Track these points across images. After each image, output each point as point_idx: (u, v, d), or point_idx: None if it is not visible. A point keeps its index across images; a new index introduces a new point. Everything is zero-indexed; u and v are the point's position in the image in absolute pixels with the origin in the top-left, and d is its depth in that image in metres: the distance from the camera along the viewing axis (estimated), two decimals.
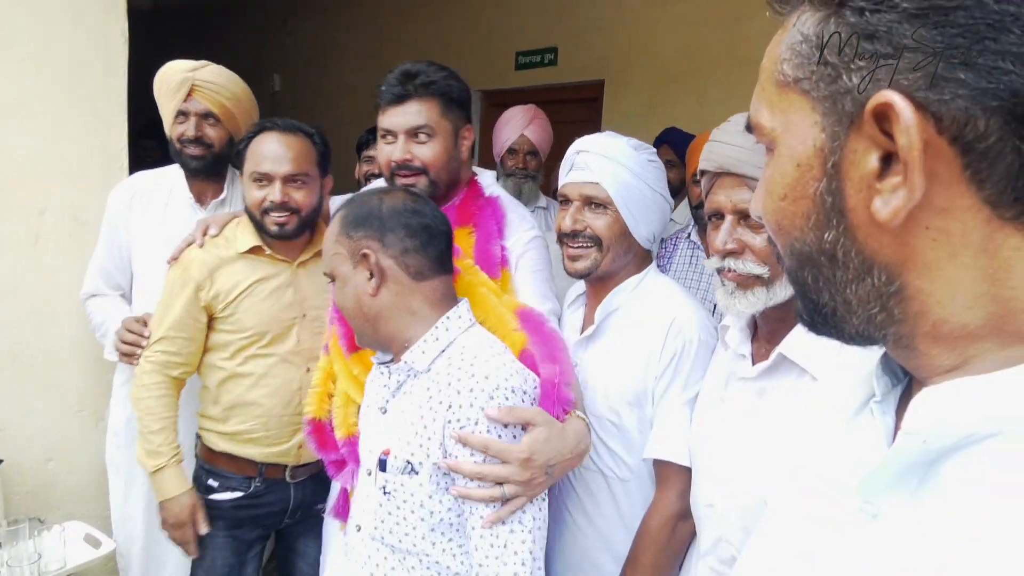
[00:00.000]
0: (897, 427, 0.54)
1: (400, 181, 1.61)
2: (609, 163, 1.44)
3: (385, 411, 1.33)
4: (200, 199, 2.14)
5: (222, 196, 2.16)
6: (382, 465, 1.27)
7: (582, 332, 1.57)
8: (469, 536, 1.21)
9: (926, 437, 0.45)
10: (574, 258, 1.49)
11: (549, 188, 3.32)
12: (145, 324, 1.91)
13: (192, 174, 2.10)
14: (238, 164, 1.82)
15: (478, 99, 4.92)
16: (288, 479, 1.90)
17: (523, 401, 1.21)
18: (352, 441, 1.59)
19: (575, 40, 4.28)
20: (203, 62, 2.03)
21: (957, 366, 0.47)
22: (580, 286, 1.66)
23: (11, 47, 2.14)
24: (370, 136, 2.98)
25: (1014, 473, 0.42)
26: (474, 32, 4.90)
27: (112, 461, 2.18)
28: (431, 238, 1.29)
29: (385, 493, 1.26)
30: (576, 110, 4.40)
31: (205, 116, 2.04)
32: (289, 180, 1.76)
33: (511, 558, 1.17)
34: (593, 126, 4.20)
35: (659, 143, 2.94)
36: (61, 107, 2.23)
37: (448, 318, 1.29)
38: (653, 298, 1.48)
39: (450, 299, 1.32)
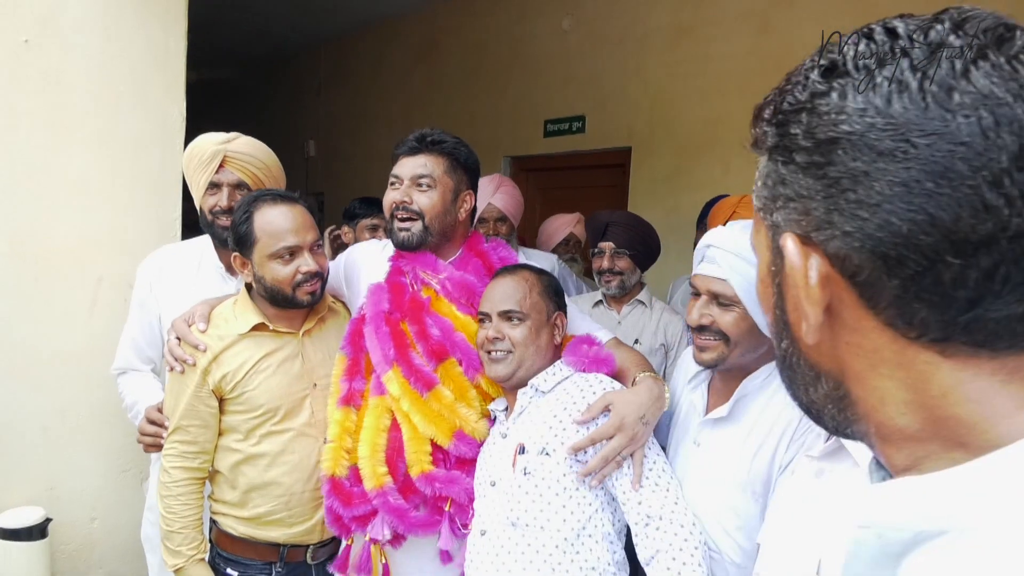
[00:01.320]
0: None
1: (398, 224, 1.75)
2: (738, 261, 1.42)
3: (505, 436, 1.63)
4: (231, 269, 2.10)
5: None
6: (522, 450, 1.56)
7: (706, 412, 1.56)
8: (626, 502, 1.50)
9: (879, 532, 0.48)
10: (702, 349, 1.49)
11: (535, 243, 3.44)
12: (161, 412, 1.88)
13: (223, 244, 2.05)
14: (241, 243, 1.75)
15: (508, 164, 5.07)
16: (309, 560, 1.83)
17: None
18: (384, 492, 1.64)
19: (602, 109, 4.42)
20: (234, 134, 2.06)
21: (910, 466, 0.50)
22: (694, 365, 1.62)
23: (79, 128, 2.30)
24: (362, 207, 3.13)
25: (957, 571, 0.44)
26: (503, 100, 5.08)
27: (148, 538, 2.17)
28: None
29: (526, 474, 1.52)
30: (603, 176, 4.52)
31: (238, 186, 2.03)
32: (312, 248, 1.75)
33: (666, 496, 1.48)
34: (620, 191, 4.31)
35: (707, 210, 3.03)
36: (122, 182, 2.37)
37: (561, 362, 1.66)
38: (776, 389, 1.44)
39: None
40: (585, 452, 1.50)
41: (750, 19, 3.63)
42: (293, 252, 1.71)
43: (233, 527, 1.78)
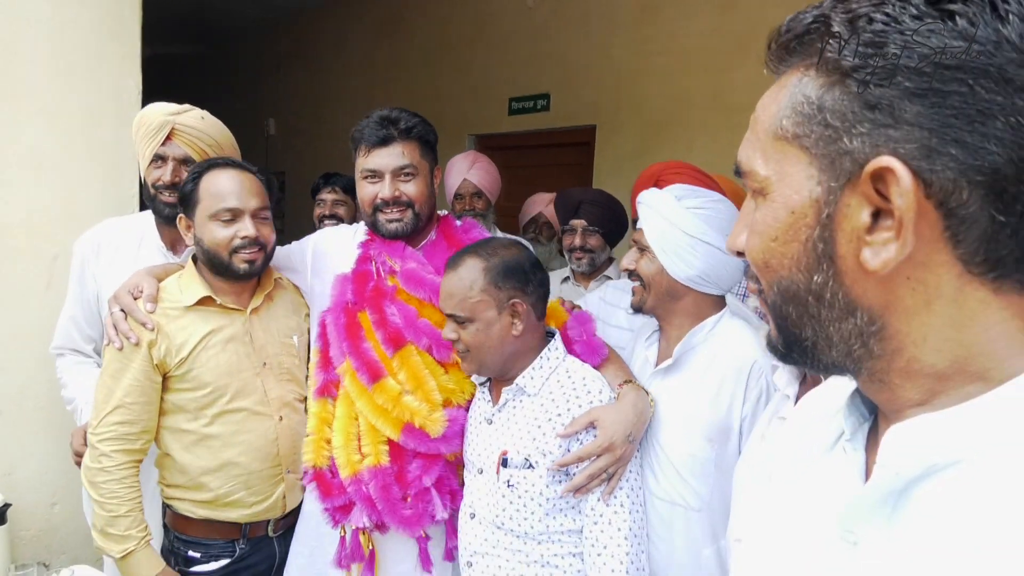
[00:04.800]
0: (868, 461, 0.58)
1: (386, 215, 1.74)
2: (650, 212, 1.61)
3: (491, 422, 1.59)
4: (173, 247, 2.04)
5: None
6: (504, 462, 1.53)
7: (657, 365, 1.66)
8: (586, 513, 1.50)
9: (898, 470, 0.50)
10: (632, 293, 1.69)
11: (517, 226, 3.44)
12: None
13: (166, 220, 1.97)
14: (185, 203, 1.72)
15: (472, 143, 5.03)
16: (271, 533, 1.82)
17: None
18: (358, 479, 1.64)
19: (566, 86, 4.41)
20: (186, 106, 1.97)
21: (924, 400, 0.52)
22: (654, 323, 1.72)
23: (28, 99, 2.22)
24: (322, 181, 3.12)
25: (970, 496, 0.47)
26: (468, 78, 5.03)
27: None
28: (546, 285, 1.59)
29: (509, 486, 1.51)
30: (568, 153, 4.52)
31: (183, 161, 1.94)
32: (256, 214, 1.71)
33: (615, 534, 1.47)
34: (585, 169, 4.32)
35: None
36: (76, 157, 2.30)
37: (548, 350, 1.57)
38: (732, 339, 1.57)
39: (546, 332, 1.62)
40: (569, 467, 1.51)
41: None
42: (234, 215, 1.68)
43: (191, 510, 1.75)
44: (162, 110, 1.92)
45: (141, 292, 1.69)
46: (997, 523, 0.45)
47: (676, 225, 1.56)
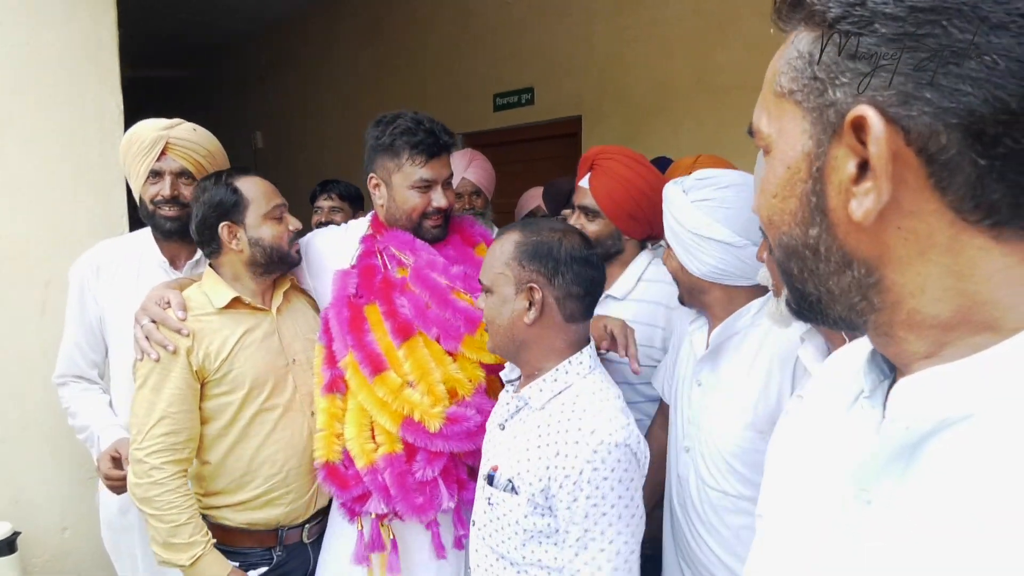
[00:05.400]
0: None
1: (432, 222, 1.81)
2: (665, 209, 1.60)
3: (503, 428, 1.46)
4: (174, 262, 2.05)
5: (196, 256, 2.06)
6: (490, 479, 1.41)
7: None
8: (563, 554, 1.32)
9: (908, 423, 0.50)
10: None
11: (509, 222, 3.45)
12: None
13: (166, 236, 2.00)
14: (232, 211, 1.76)
15: (460, 142, 5.03)
16: (306, 540, 1.85)
17: (625, 456, 1.27)
18: (374, 469, 1.67)
19: (550, 79, 4.41)
20: (176, 120, 1.99)
21: (932, 353, 0.51)
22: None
23: (8, 127, 2.22)
24: (319, 189, 3.18)
25: (983, 451, 0.46)
26: (451, 77, 5.03)
27: (113, 548, 2.12)
28: (593, 289, 1.39)
29: (490, 504, 1.40)
30: (555, 146, 4.52)
31: (180, 175, 1.95)
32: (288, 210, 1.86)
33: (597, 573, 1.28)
34: (572, 161, 4.27)
35: None
36: (61, 181, 2.30)
37: (570, 362, 1.38)
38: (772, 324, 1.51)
39: (583, 341, 1.42)
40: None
41: None
42: (281, 211, 1.82)
43: (228, 517, 1.78)
44: (154, 126, 1.95)
45: (168, 303, 1.72)
46: (1009, 479, 0.45)
47: (683, 224, 1.54)
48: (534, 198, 3.38)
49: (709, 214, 1.51)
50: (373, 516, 1.71)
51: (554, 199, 2.75)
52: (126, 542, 2.07)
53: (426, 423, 1.63)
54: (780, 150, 0.55)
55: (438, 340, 1.71)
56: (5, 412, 2.26)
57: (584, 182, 1.91)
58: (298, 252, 1.85)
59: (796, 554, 0.61)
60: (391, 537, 1.73)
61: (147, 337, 1.68)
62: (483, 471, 1.46)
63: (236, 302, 1.77)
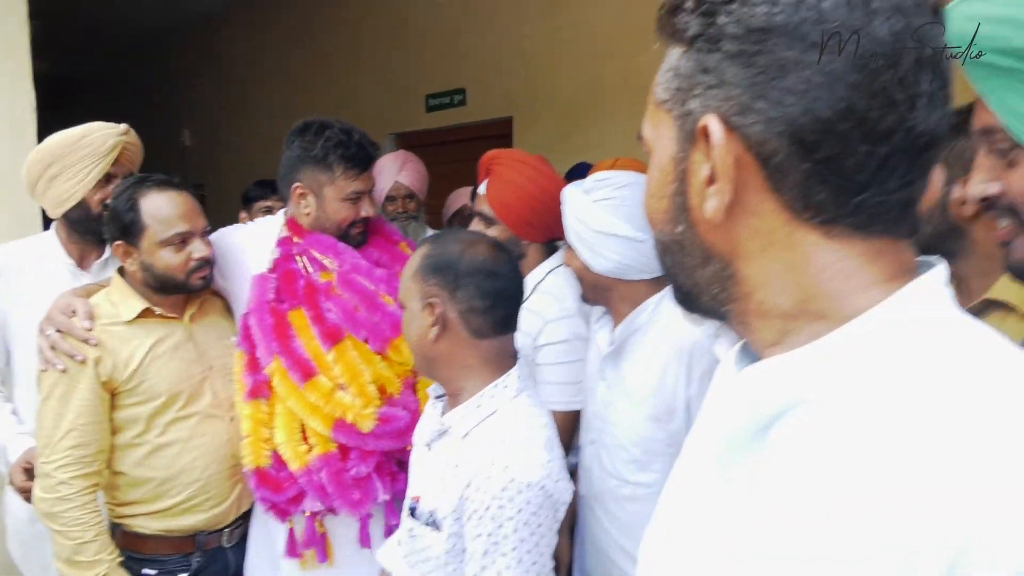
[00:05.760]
0: None
1: (358, 230, 1.85)
2: (566, 209, 1.64)
3: (429, 448, 1.37)
4: (82, 262, 2.04)
5: (104, 257, 2.05)
6: (412, 511, 1.34)
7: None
8: None
9: (752, 408, 0.54)
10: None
11: (441, 223, 3.47)
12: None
13: (83, 237, 2.00)
14: (127, 231, 1.69)
15: (392, 142, 5.02)
16: (225, 544, 1.83)
17: (536, 497, 1.18)
18: (309, 470, 1.68)
19: (482, 80, 4.45)
20: (124, 125, 1.99)
21: (777, 341, 0.55)
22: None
23: None
24: (257, 189, 3.11)
25: (820, 433, 0.50)
26: (384, 77, 5.01)
27: (22, 559, 2.07)
28: (500, 301, 1.30)
29: (411, 536, 1.34)
30: (487, 146, 4.44)
31: (125, 178, 1.90)
32: (204, 233, 1.76)
33: None
34: None
35: (568, 178, 3.12)
36: None
37: (496, 386, 1.29)
38: (672, 320, 1.54)
39: (505, 358, 1.33)
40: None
41: None
42: (185, 239, 1.70)
43: (144, 525, 1.74)
44: (112, 131, 1.93)
45: (74, 312, 1.67)
46: (824, 463, 0.49)
47: (584, 222, 1.58)
48: (461, 197, 3.41)
49: (611, 212, 1.56)
50: (308, 514, 1.72)
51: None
52: (37, 553, 2.01)
53: (359, 424, 1.65)
54: (656, 154, 0.59)
55: (366, 342, 1.73)
56: None
57: (482, 188, 1.90)
58: (203, 279, 1.75)
59: (674, 532, 0.64)
60: (321, 532, 1.75)
61: (52, 347, 1.64)
62: (408, 498, 1.41)
63: (146, 312, 1.73)
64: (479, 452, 1.23)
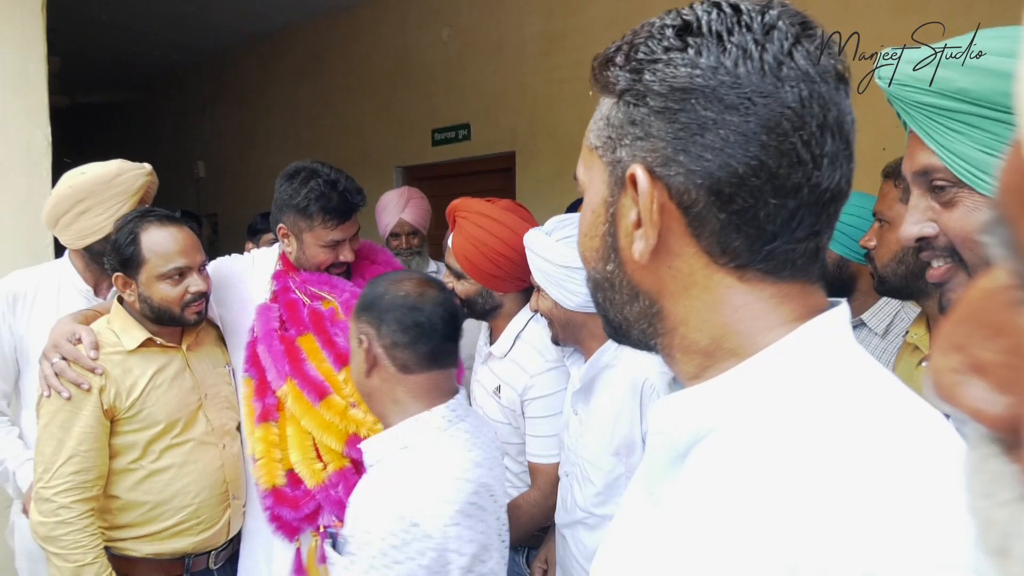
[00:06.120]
0: None
1: (338, 270, 1.90)
2: (531, 254, 1.67)
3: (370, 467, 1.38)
4: (97, 289, 2.11)
5: None
6: (333, 537, 1.30)
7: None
8: None
9: (666, 435, 0.58)
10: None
11: (443, 254, 3.52)
12: None
13: (101, 267, 2.02)
14: (126, 264, 1.74)
15: (399, 175, 5.13)
16: (212, 566, 1.86)
17: (405, 532, 1.16)
18: (326, 486, 1.75)
19: (486, 116, 4.56)
20: (149, 166, 2.07)
21: (697, 374, 0.58)
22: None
23: None
24: (263, 221, 3.18)
25: (717, 459, 0.53)
26: (391, 112, 5.14)
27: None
28: (422, 335, 1.29)
29: (331, 564, 1.29)
30: (491, 180, 4.66)
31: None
32: (201, 268, 1.80)
33: None
34: (506, 194, 4.44)
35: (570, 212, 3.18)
36: None
37: (416, 420, 1.28)
38: (627, 358, 1.59)
39: (439, 394, 1.32)
40: None
41: (615, 25, 3.83)
42: (183, 273, 1.75)
43: (134, 548, 1.77)
44: (140, 171, 2.01)
45: (79, 340, 1.71)
46: (726, 487, 0.52)
47: (550, 260, 1.63)
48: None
49: (574, 247, 1.62)
50: (322, 530, 1.78)
51: None
52: (46, 572, 2.05)
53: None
54: (589, 196, 0.62)
55: None
56: None
57: (448, 239, 1.92)
58: (198, 313, 1.80)
59: (613, 555, 0.67)
60: None
61: (57, 374, 1.68)
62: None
63: (147, 342, 1.78)
64: (371, 480, 1.25)
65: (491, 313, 1.93)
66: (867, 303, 1.76)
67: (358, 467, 1.76)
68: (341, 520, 1.72)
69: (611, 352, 1.63)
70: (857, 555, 0.44)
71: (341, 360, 1.78)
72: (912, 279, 1.43)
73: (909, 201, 0.95)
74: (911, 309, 1.69)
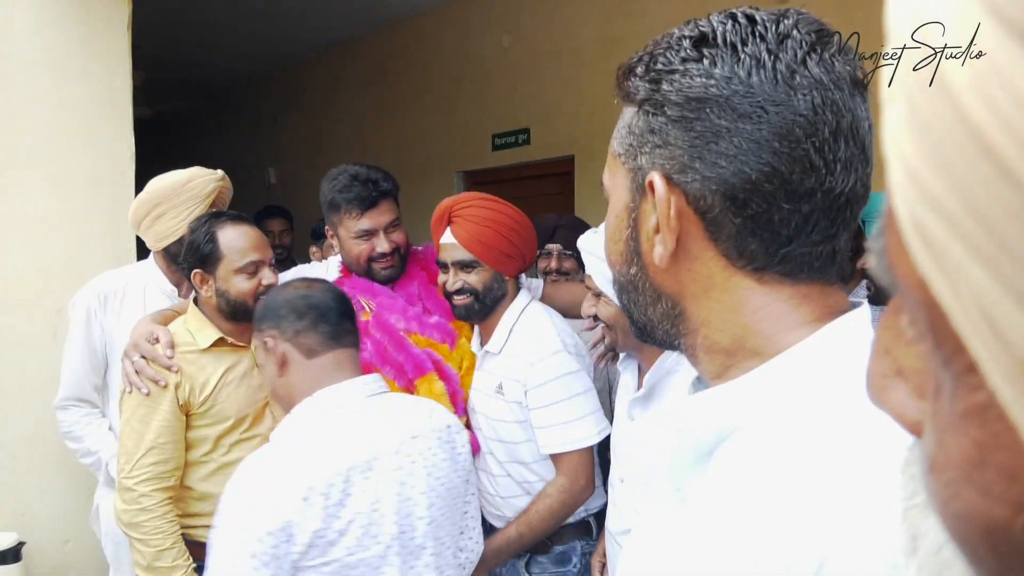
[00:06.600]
0: None
1: (381, 264, 1.94)
2: (591, 257, 1.62)
3: None
4: (180, 289, 2.25)
5: None
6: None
7: (636, 391, 1.67)
8: None
9: (691, 433, 0.59)
10: (603, 337, 1.71)
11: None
12: None
13: (180, 267, 2.13)
14: (205, 260, 1.86)
15: (460, 180, 5.23)
16: None
17: (260, 540, 1.21)
18: None
19: (545, 120, 4.60)
20: (221, 172, 2.20)
21: (720, 374, 0.60)
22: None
23: (34, 169, 2.42)
24: (322, 224, 3.29)
25: (744, 457, 0.55)
26: (452, 118, 5.24)
27: (115, 559, 2.23)
28: (320, 316, 1.38)
29: None
30: (550, 184, 4.69)
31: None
32: (271, 263, 1.92)
33: None
34: (566, 198, 4.49)
35: None
36: (77, 217, 2.50)
37: (314, 397, 1.35)
38: None
39: (346, 372, 1.39)
40: None
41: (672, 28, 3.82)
42: (257, 267, 1.86)
43: (207, 535, 1.86)
44: (211, 176, 2.15)
45: (157, 340, 1.83)
46: (753, 485, 0.53)
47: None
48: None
49: None
50: None
51: (540, 233, 2.83)
52: (128, 555, 2.20)
53: None
54: (613, 202, 0.65)
55: (395, 381, 1.85)
56: (14, 431, 2.42)
57: (447, 238, 1.86)
58: None
59: (639, 548, 0.69)
60: None
61: (137, 372, 1.80)
62: None
63: (219, 341, 1.89)
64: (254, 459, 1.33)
65: (496, 305, 1.87)
66: None
67: None
68: None
69: (673, 358, 1.60)
70: (881, 551, 0.44)
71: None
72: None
73: None
74: None
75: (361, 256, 1.94)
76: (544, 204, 4.55)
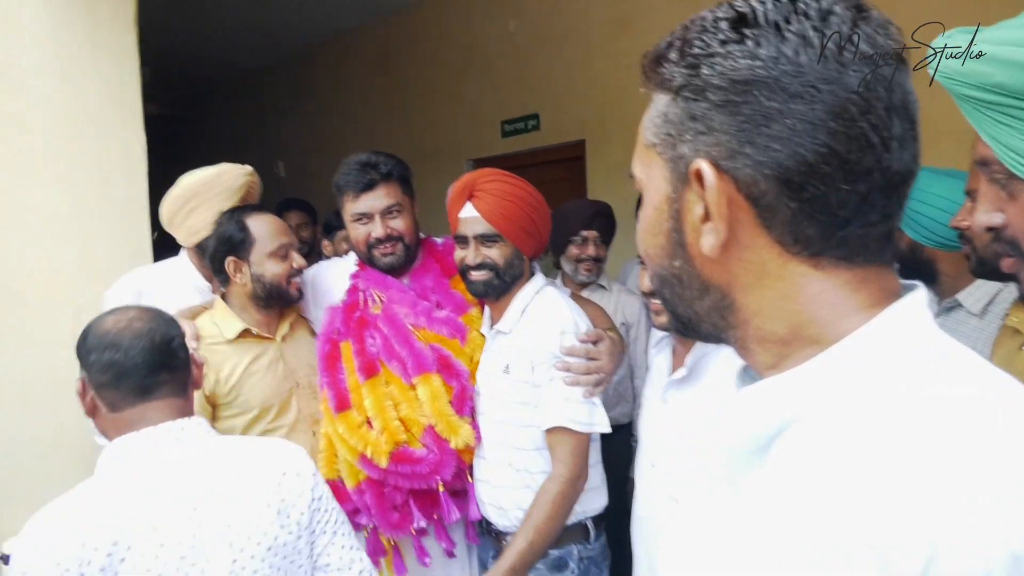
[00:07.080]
0: None
1: (381, 251, 1.91)
2: None
3: None
4: (213, 285, 2.26)
5: None
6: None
7: (671, 374, 1.66)
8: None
9: (746, 426, 0.58)
10: (657, 312, 1.66)
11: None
12: None
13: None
14: (239, 247, 1.92)
15: (470, 167, 5.19)
16: None
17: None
18: (360, 490, 1.82)
19: (554, 105, 4.57)
20: (250, 167, 2.19)
21: (775, 364, 0.58)
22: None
23: (45, 167, 2.41)
24: (338, 218, 3.29)
25: (809, 448, 0.52)
26: (460, 105, 5.21)
27: None
28: (120, 375, 1.24)
29: None
30: (561, 170, 4.66)
31: None
32: (296, 247, 1.99)
33: None
34: (577, 183, 4.45)
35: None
36: (90, 215, 2.49)
37: (111, 450, 1.25)
38: None
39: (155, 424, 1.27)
40: None
41: (680, 7, 3.76)
42: (287, 250, 1.94)
43: None
44: (240, 171, 2.16)
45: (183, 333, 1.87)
46: (821, 476, 0.50)
47: None
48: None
49: None
50: (371, 527, 1.86)
51: (578, 218, 2.71)
52: None
53: (375, 460, 1.77)
54: (649, 193, 0.63)
55: (401, 376, 1.84)
56: (40, 432, 2.42)
57: (468, 211, 1.79)
58: (299, 289, 1.97)
59: (689, 537, 0.68)
60: (392, 543, 1.88)
61: None
62: None
63: (245, 332, 1.92)
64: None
65: (513, 283, 1.82)
66: (956, 286, 1.69)
67: (386, 479, 1.80)
68: (374, 523, 1.83)
69: None
70: (1000, 540, 0.43)
71: (366, 370, 1.83)
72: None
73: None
74: (1012, 290, 1.62)
75: (359, 241, 1.94)
76: (556, 190, 4.51)
